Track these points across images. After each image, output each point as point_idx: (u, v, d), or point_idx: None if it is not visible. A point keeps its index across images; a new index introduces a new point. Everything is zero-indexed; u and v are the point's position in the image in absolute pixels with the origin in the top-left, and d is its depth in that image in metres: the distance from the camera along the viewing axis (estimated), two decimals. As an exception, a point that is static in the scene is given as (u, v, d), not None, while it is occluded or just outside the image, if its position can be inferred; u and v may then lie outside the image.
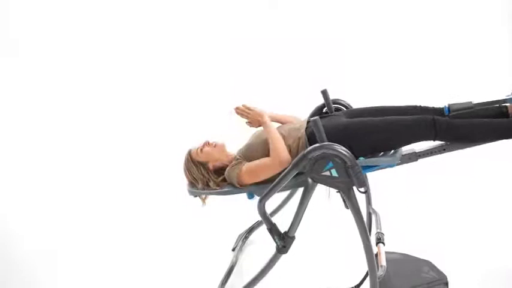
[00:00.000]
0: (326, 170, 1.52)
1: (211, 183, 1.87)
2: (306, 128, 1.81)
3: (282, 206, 2.24)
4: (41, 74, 4.28)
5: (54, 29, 4.46)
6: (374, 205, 2.17)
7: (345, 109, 2.00)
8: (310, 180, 1.58)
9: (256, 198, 1.70)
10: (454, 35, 4.36)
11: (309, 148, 1.51)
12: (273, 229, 1.65)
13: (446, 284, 2.02)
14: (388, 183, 2.41)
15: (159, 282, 2.16)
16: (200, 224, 2.60)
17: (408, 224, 2.46)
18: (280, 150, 1.72)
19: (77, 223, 2.66)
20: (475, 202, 2.56)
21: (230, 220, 2.62)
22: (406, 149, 1.74)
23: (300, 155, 1.53)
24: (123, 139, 3.68)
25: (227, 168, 1.85)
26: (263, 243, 2.35)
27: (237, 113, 1.87)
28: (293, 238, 1.67)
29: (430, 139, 1.68)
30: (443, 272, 2.05)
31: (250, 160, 1.81)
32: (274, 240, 1.67)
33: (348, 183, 1.51)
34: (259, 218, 2.38)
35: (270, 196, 1.63)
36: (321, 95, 1.98)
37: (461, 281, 2.04)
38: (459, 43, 4.32)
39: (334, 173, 1.52)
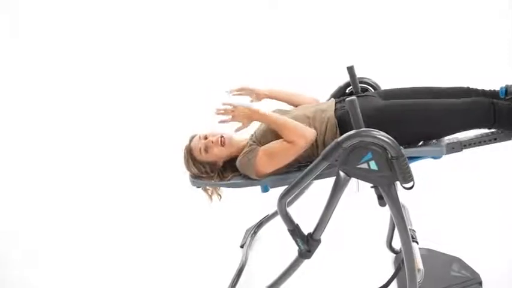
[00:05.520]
0: (363, 162, 1.20)
1: (215, 178, 1.54)
2: (335, 109, 1.47)
3: (296, 198, 1.90)
4: (38, 73, 4.13)
5: (51, 28, 4.32)
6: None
7: (372, 89, 1.66)
8: (342, 174, 1.25)
9: (272, 192, 1.39)
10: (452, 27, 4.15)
11: (344, 135, 1.18)
12: (295, 231, 1.34)
13: (480, 283, 1.74)
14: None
15: (162, 283, 1.90)
16: (203, 219, 2.30)
17: (434, 217, 2.15)
18: (295, 127, 1.39)
19: (81, 221, 2.43)
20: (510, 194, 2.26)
21: (236, 214, 2.31)
22: (448, 137, 1.40)
23: (332, 144, 1.20)
24: (122, 133, 3.41)
25: (239, 158, 1.49)
26: (273, 239, 2.08)
27: (224, 118, 1.46)
28: (319, 241, 1.35)
29: (485, 127, 1.35)
30: (476, 271, 1.76)
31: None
32: (297, 243, 1.35)
33: (390, 178, 1.19)
34: (269, 212, 2.13)
35: (293, 193, 1.31)
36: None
37: (496, 280, 1.76)
38: (458, 35, 4.10)
39: (373, 165, 1.19)
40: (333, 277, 1.83)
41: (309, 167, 1.24)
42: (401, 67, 3.69)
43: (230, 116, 1.45)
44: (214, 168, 1.55)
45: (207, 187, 1.60)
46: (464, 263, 1.82)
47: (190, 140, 1.62)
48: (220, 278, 1.84)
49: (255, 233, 2.09)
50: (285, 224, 1.34)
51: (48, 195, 2.69)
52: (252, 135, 1.57)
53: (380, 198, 1.30)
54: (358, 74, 1.67)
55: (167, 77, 4.06)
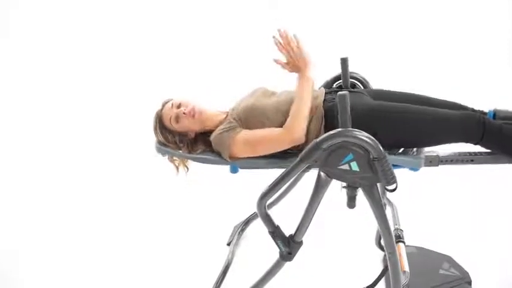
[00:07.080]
0: (344, 163, 1.14)
1: (183, 149, 1.44)
2: (324, 100, 1.39)
3: (282, 197, 1.85)
4: (32, 73, 4.07)
5: (45, 28, 4.28)
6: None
7: (361, 86, 1.59)
8: (323, 175, 1.19)
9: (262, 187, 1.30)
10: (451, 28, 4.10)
11: (324, 136, 1.12)
12: (276, 233, 1.28)
13: (470, 283, 1.69)
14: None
15: (147, 280, 1.84)
16: (189, 215, 2.24)
17: (424, 214, 2.10)
18: (301, 123, 1.30)
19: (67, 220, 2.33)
20: (501, 191, 2.21)
21: (223, 211, 2.25)
22: (428, 149, 1.35)
23: (311, 145, 1.13)
24: (109, 132, 3.33)
25: (214, 133, 1.40)
26: (261, 237, 2.02)
27: (279, 42, 1.37)
28: (300, 243, 1.30)
29: (471, 142, 1.28)
30: (465, 269, 1.71)
31: (249, 127, 1.37)
32: (278, 245, 1.30)
33: (372, 179, 1.13)
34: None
35: (272, 194, 1.25)
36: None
37: (486, 279, 1.72)
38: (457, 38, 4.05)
39: (354, 166, 1.14)
40: (319, 277, 1.78)
41: (287, 169, 1.19)
42: (399, 66, 3.65)
43: (285, 51, 1.38)
44: (184, 139, 1.46)
45: (174, 158, 1.50)
46: (455, 261, 1.76)
47: (163, 106, 1.52)
48: (205, 276, 1.78)
49: (242, 230, 2.04)
50: (265, 226, 1.29)
51: (37, 190, 2.64)
52: (233, 109, 1.47)
53: (350, 199, 1.22)
54: (350, 69, 1.59)
55: (166, 76, 4.00)
